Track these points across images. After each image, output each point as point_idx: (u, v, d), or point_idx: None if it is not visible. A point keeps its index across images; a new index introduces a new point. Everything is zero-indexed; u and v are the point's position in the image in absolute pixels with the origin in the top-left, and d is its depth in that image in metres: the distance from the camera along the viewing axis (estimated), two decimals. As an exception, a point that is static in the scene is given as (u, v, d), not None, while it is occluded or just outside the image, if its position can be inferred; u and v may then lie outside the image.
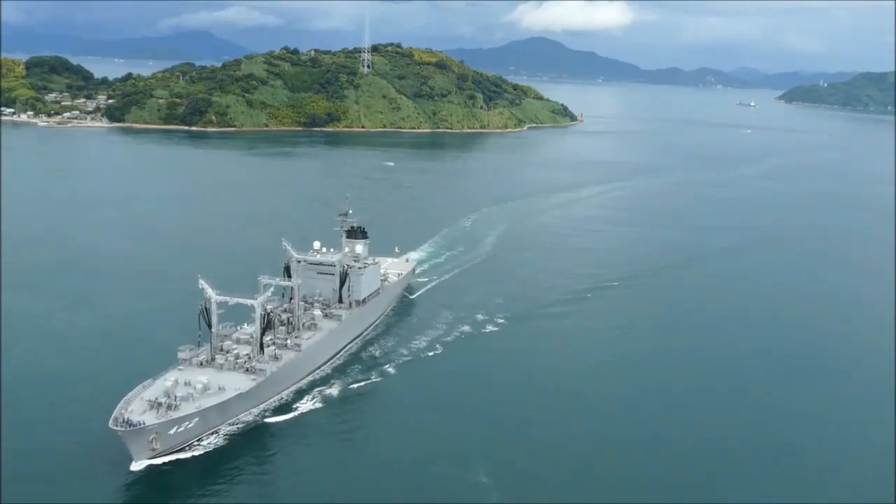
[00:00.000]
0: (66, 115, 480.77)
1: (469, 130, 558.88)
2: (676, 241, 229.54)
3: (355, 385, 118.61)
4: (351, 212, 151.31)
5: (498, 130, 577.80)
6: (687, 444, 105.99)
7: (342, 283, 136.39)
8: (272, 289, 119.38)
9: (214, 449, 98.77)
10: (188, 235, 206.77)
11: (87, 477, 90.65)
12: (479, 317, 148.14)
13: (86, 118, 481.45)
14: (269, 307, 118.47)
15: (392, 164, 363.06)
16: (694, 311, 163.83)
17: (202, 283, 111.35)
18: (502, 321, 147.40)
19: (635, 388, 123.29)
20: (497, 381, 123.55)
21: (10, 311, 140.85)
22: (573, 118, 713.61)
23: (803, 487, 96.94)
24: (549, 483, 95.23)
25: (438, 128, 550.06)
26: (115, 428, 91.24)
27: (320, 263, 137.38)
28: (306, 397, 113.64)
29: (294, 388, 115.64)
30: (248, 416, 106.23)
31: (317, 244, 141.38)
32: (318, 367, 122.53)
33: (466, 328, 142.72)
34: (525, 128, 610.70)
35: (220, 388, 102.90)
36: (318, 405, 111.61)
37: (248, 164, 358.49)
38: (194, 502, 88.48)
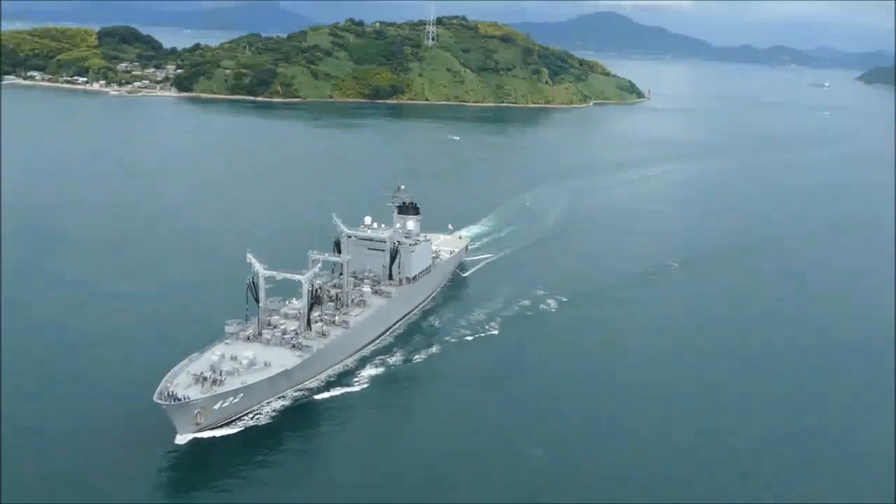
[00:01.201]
0: (136, 84, 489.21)
1: (533, 105, 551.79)
2: (742, 226, 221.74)
3: (403, 363, 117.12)
4: (404, 187, 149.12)
5: (562, 106, 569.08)
6: (756, 439, 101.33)
7: (392, 259, 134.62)
8: (320, 264, 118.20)
9: (259, 425, 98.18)
10: (243, 206, 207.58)
11: (133, 448, 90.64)
12: (533, 297, 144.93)
13: (155, 88, 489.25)
14: (317, 283, 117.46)
15: (457, 138, 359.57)
16: (760, 300, 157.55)
17: (250, 258, 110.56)
18: (559, 301, 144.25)
19: (698, 375, 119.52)
20: (552, 363, 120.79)
21: (67, 278, 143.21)
22: (640, 95, 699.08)
23: None
24: (603, 465, 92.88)
25: (502, 102, 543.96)
26: (159, 401, 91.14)
27: (370, 239, 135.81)
28: (353, 375, 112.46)
29: (341, 365, 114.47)
30: (293, 393, 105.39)
31: (368, 219, 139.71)
32: (366, 345, 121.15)
33: (520, 308, 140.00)
34: (590, 104, 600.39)
35: (265, 364, 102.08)
36: (365, 383, 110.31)
37: (311, 136, 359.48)
38: (237, 477, 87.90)
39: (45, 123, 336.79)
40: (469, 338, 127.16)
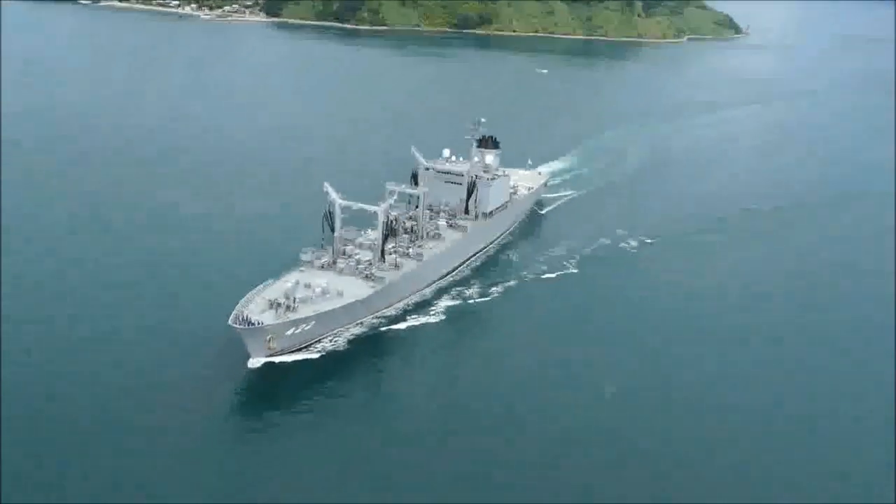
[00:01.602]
0: (226, 8, 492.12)
1: (625, 39, 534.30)
2: (842, 174, 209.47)
3: (479, 296, 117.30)
4: (484, 120, 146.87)
5: (654, 41, 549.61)
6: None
7: (469, 193, 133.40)
8: (396, 196, 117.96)
9: (329, 352, 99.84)
10: (323, 136, 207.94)
11: (208, 369, 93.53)
12: (613, 237, 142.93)
13: (244, 12, 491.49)
14: (392, 214, 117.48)
15: (545, 71, 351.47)
16: (858, 252, 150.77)
17: (327, 187, 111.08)
18: (641, 242, 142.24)
19: (783, 322, 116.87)
20: (631, 303, 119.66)
21: (155, 201, 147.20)
22: (738, 31, 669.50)
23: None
24: (674, 414, 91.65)
25: (592, 35, 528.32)
26: (234, 325, 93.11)
27: (448, 172, 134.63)
28: (428, 306, 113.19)
29: (413, 298, 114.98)
30: (365, 322, 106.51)
31: (446, 152, 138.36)
32: (439, 279, 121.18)
33: (599, 247, 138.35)
34: (684, 39, 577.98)
35: (338, 293, 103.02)
36: (435, 317, 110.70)
37: (394, 66, 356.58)
38: (305, 402, 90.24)
39: (147, 47, 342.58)
40: (547, 275, 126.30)
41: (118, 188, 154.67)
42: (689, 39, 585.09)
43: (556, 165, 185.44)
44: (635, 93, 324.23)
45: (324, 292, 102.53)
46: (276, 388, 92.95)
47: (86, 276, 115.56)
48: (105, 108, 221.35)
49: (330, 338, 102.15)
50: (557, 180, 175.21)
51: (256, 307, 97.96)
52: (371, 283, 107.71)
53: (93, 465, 75.74)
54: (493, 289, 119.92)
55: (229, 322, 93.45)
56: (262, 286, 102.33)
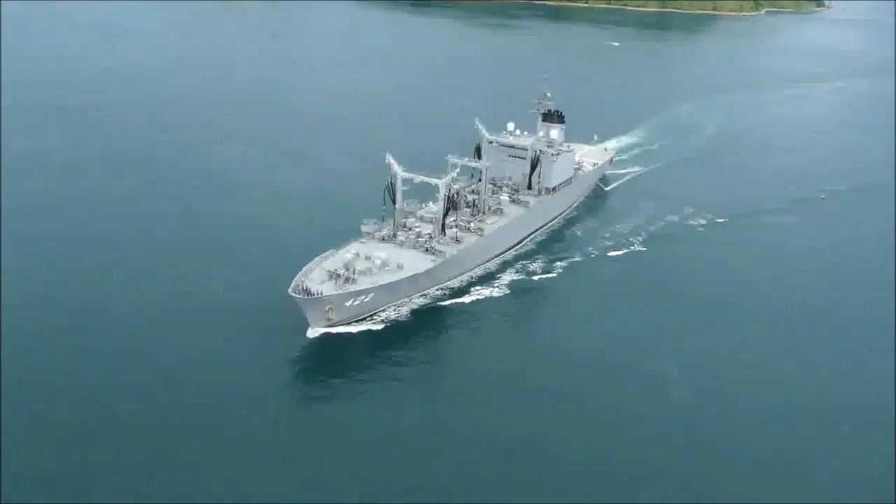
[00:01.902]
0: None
1: (700, 12, 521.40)
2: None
3: (539, 274, 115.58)
4: (550, 94, 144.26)
5: (731, 14, 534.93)
6: None
7: (533, 168, 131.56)
8: (458, 169, 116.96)
9: (387, 324, 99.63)
10: (389, 106, 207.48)
11: (267, 337, 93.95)
12: (681, 214, 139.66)
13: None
14: (454, 188, 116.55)
15: (616, 44, 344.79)
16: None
17: (389, 158, 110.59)
18: (709, 220, 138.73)
19: (860, 308, 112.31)
20: (698, 283, 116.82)
21: (221, 165, 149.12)
22: (820, 3, 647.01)
23: None
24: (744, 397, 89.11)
25: (666, 7, 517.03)
26: (294, 295, 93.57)
27: (512, 146, 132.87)
28: (484, 283, 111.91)
29: (473, 272, 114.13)
30: (422, 296, 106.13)
31: (510, 125, 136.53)
32: (500, 254, 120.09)
33: (666, 224, 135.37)
34: (762, 12, 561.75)
35: (398, 266, 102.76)
36: (496, 292, 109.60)
37: (463, 36, 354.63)
38: (362, 373, 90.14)
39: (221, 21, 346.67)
40: (612, 252, 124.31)
41: (186, 149, 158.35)
42: (767, 13, 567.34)
43: (625, 140, 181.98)
44: (709, 66, 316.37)
45: (383, 265, 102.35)
46: (336, 358, 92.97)
47: (145, 240, 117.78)
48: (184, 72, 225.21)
49: (389, 310, 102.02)
50: (624, 156, 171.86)
51: (316, 277, 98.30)
52: (431, 257, 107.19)
53: (159, 430, 76.58)
54: (558, 264, 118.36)
55: (289, 291, 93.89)
56: (321, 256, 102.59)
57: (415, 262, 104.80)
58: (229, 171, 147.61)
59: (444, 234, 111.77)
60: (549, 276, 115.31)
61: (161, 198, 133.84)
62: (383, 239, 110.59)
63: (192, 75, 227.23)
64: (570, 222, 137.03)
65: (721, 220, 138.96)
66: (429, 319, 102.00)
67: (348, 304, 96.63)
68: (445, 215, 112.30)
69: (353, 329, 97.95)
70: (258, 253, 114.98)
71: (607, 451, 78.43)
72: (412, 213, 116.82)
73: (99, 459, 71.66)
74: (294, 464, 74.01)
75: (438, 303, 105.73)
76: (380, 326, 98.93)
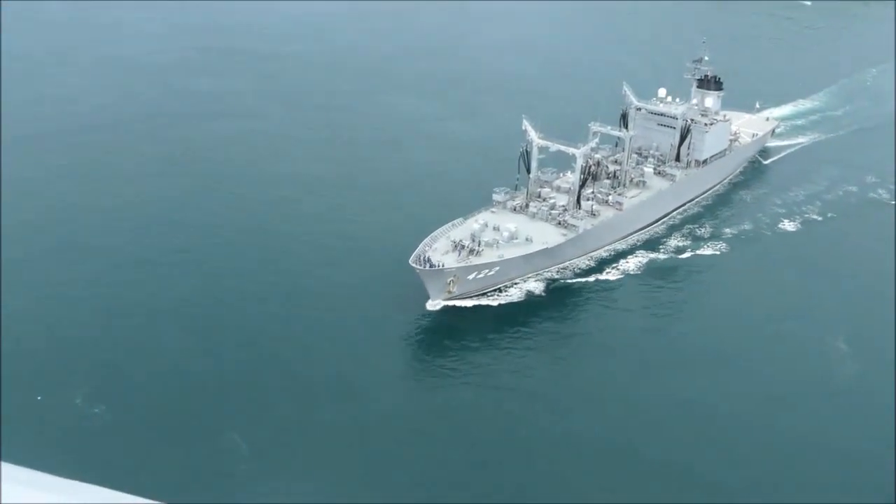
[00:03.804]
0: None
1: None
2: None
3: (680, 255, 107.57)
4: (707, 58, 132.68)
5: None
6: None
7: (682, 139, 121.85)
8: (598, 137, 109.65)
9: (510, 301, 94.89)
10: (529, 66, 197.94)
11: (386, 306, 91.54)
12: (860, 184, 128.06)
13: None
14: (595, 157, 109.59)
15: (808, 3, 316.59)
16: None
17: (525, 124, 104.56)
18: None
19: None
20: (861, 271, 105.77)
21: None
22: None
23: None
24: None
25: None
26: (414, 265, 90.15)
27: (661, 114, 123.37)
28: (619, 261, 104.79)
29: (607, 248, 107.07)
30: (550, 272, 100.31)
31: (662, 92, 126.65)
32: (639, 230, 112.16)
33: (830, 205, 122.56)
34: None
35: (526, 239, 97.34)
36: (631, 271, 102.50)
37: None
38: (481, 349, 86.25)
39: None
40: (761, 230, 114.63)
41: (361, 96, 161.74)
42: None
43: (788, 109, 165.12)
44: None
45: (511, 237, 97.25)
46: (453, 334, 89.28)
47: (278, 198, 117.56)
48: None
49: (513, 285, 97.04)
50: (789, 125, 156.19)
51: (440, 247, 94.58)
52: (563, 231, 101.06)
53: (283, 401, 75.41)
54: (704, 244, 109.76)
55: (410, 262, 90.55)
56: (449, 224, 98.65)
57: (545, 236, 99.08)
58: (398, 122, 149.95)
59: (580, 207, 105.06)
60: (692, 255, 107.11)
61: (335, 144, 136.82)
62: (515, 209, 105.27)
63: (374, 24, 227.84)
64: (720, 199, 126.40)
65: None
66: (552, 298, 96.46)
67: (471, 277, 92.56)
68: (582, 187, 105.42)
69: (476, 302, 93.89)
70: (387, 218, 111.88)
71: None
72: (548, 183, 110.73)
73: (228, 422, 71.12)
74: (417, 440, 71.57)
75: (563, 280, 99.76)
76: (502, 302, 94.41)
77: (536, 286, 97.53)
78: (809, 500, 66.03)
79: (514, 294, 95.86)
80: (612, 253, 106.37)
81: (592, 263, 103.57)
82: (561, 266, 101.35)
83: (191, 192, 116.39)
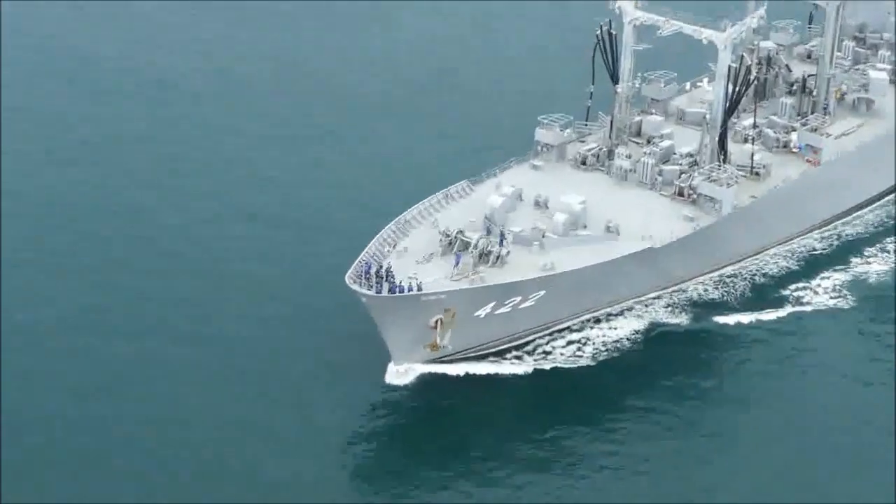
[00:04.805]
0: None
1: None
2: None
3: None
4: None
5: None
6: None
7: None
8: (765, 6, 54.55)
9: (566, 368, 45.84)
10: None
11: (302, 384, 47.15)
12: None
13: None
14: (765, 47, 58.05)
15: None
16: None
17: None
18: None
19: None
20: None
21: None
22: None
23: None
24: None
25: None
26: (356, 287, 41.34)
27: None
28: (808, 279, 51.34)
29: (783, 248, 53.36)
30: (655, 305, 48.47)
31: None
32: (851, 211, 56.89)
33: None
34: None
35: (608, 230, 46.50)
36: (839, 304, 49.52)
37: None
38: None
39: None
40: None
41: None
42: None
43: None
44: None
45: (573, 223, 45.91)
46: (448, 447, 41.49)
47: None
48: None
49: (570, 330, 46.38)
50: None
51: (416, 246, 44.90)
52: (689, 212, 48.07)
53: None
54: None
55: (347, 279, 41.42)
56: (435, 197, 48.37)
57: (650, 223, 47.14)
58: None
59: (724, 159, 50.66)
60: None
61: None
62: (583, 162, 52.19)
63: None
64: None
65: None
66: (673, 363, 46.47)
67: (480, 312, 43.03)
68: (730, 113, 50.75)
69: (486, 369, 45.02)
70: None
71: None
72: (658, 104, 56.48)
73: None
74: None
75: (692, 322, 48.17)
76: (546, 366, 46.17)
77: (621, 331, 46.74)
78: None
79: (578, 353, 45.87)
80: (795, 259, 53.02)
81: (748, 285, 50.27)
82: (677, 286, 49.00)
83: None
